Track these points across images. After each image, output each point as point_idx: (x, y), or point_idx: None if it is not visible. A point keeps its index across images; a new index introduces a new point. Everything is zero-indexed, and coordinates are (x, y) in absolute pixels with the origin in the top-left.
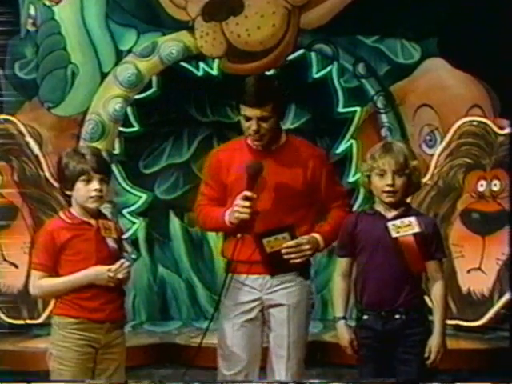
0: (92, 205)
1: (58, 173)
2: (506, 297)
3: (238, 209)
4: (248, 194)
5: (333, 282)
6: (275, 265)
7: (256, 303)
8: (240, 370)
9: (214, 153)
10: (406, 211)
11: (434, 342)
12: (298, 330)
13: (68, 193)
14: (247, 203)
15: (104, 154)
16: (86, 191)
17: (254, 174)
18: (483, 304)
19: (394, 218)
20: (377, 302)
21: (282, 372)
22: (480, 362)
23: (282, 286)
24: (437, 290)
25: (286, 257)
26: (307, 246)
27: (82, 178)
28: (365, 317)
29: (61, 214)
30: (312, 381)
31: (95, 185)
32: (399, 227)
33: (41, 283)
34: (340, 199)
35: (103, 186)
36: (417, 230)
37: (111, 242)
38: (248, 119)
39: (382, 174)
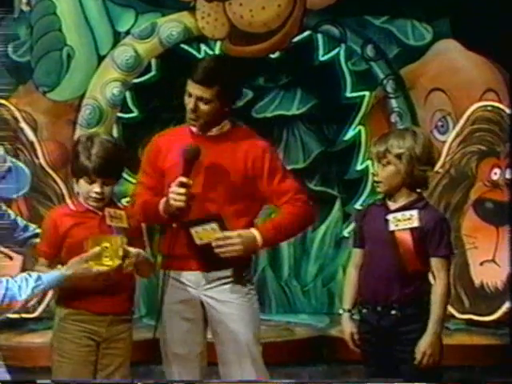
0: (92, 203)
1: (70, 160)
2: None
3: (174, 196)
4: (183, 179)
5: (346, 272)
6: (208, 259)
7: (194, 301)
8: (181, 370)
9: (154, 138)
10: (413, 203)
11: (421, 342)
12: (243, 327)
13: (73, 180)
14: (182, 190)
15: (117, 151)
16: (87, 190)
17: (191, 159)
18: (497, 298)
19: (397, 210)
20: (372, 296)
21: (237, 371)
22: (493, 359)
23: (219, 282)
24: (436, 288)
25: (216, 250)
26: (237, 240)
27: (85, 177)
28: (364, 311)
29: (68, 201)
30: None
31: (96, 187)
32: (399, 220)
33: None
34: (289, 193)
35: (106, 188)
36: (415, 224)
37: (119, 232)
38: (189, 95)
39: (372, 164)
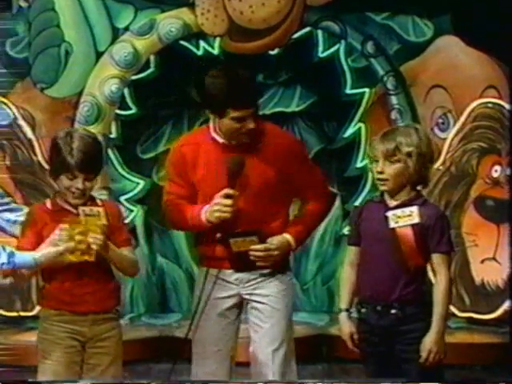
0: (73, 201)
1: (49, 156)
2: None
3: (220, 208)
4: (230, 191)
5: (342, 271)
6: (241, 262)
7: (233, 298)
8: (212, 365)
9: (176, 148)
10: (412, 200)
11: (427, 340)
12: (283, 322)
13: (52, 176)
14: (229, 201)
15: (97, 146)
16: (67, 186)
17: (236, 170)
18: (498, 296)
19: (397, 207)
20: (372, 295)
21: (271, 366)
22: (494, 357)
23: (260, 279)
24: (438, 285)
25: (252, 258)
26: (276, 252)
27: (67, 173)
28: (363, 310)
29: (47, 201)
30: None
31: (78, 183)
32: (399, 217)
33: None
34: (315, 188)
35: (87, 184)
36: (416, 220)
37: None
38: (241, 120)
39: (376, 161)
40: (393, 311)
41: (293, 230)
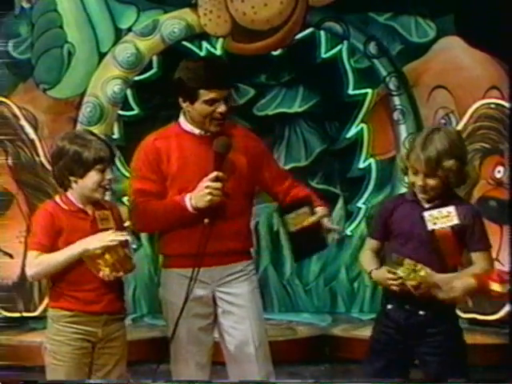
0: (100, 195)
1: (64, 159)
2: None
3: (211, 191)
4: (220, 174)
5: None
6: (300, 246)
7: (206, 298)
8: (190, 369)
9: (148, 143)
10: (448, 200)
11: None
12: (259, 321)
13: (72, 178)
14: (219, 184)
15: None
16: (99, 180)
17: (223, 152)
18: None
19: (433, 208)
20: (401, 293)
21: (256, 364)
22: (497, 358)
23: (232, 277)
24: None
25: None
26: (326, 219)
27: (99, 166)
28: (389, 306)
29: (57, 198)
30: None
31: (109, 174)
32: (436, 218)
33: (39, 260)
34: (288, 179)
35: (113, 176)
36: (455, 221)
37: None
38: (213, 102)
39: (415, 173)
40: (421, 312)
41: (318, 203)
